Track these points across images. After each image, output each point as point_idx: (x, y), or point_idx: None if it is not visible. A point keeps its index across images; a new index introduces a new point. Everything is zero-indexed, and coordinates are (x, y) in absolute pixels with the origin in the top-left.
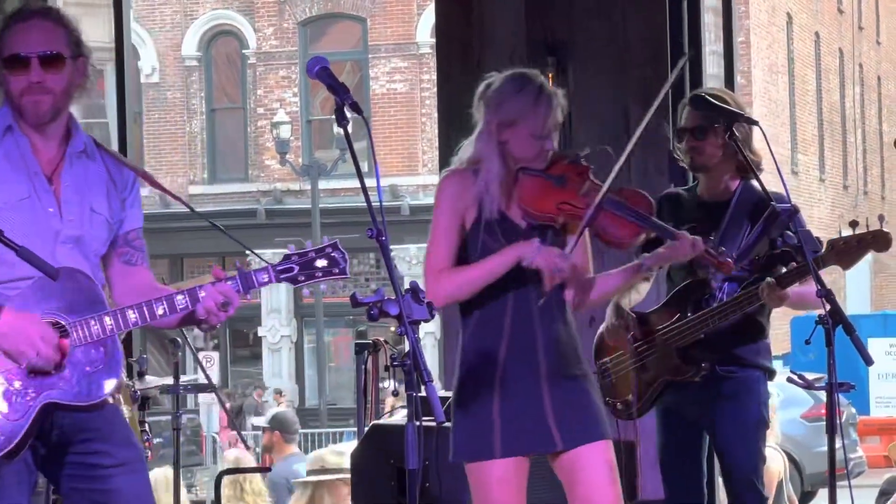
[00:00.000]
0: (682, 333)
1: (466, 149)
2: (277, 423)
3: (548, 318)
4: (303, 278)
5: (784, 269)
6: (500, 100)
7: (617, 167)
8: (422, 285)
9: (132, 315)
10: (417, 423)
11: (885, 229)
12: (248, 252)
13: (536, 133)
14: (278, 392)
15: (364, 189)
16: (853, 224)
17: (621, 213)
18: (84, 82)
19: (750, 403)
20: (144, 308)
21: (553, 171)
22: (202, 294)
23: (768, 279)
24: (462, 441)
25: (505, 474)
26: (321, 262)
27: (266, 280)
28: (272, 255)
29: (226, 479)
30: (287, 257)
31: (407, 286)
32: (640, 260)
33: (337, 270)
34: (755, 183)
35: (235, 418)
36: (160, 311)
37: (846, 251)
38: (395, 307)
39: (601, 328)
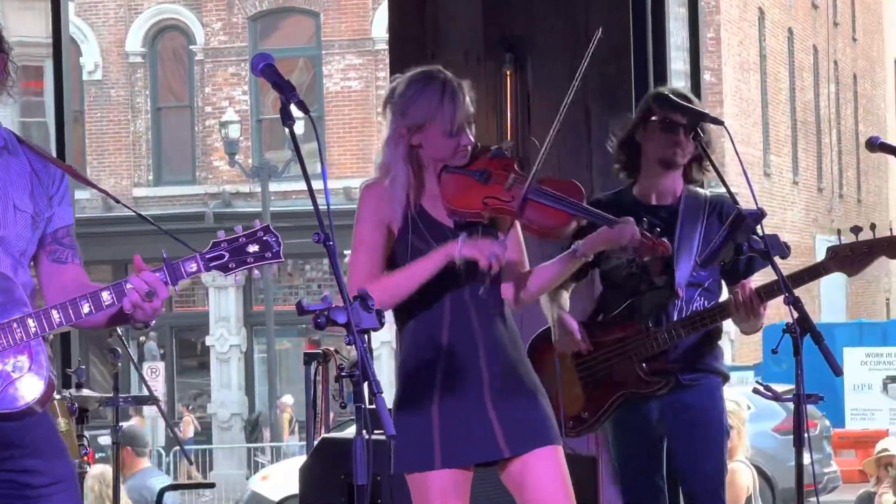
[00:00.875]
0: (650, 346)
1: (378, 156)
2: (127, 439)
3: (487, 322)
4: (234, 265)
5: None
6: (406, 104)
7: (541, 156)
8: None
9: (56, 315)
10: (366, 437)
11: None
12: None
13: (447, 131)
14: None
15: (311, 191)
16: (856, 230)
17: (549, 202)
18: (5, 80)
19: (713, 412)
20: (69, 307)
21: (475, 166)
22: (128, 287)
23: (737, 291)
24: (401, 452)
25: (445, 485)
26: (253, 248)
27: (195, 269)
28: None
29: (91, 496)
30: (216, 244)
31: (356, 293)
32: (574, 246)
33: (270, 255)
34: (697, 189)
35: (252, 432)
36: (86, 310)
37: (852, 258)
38: (342, 315)
39: (552, 340)
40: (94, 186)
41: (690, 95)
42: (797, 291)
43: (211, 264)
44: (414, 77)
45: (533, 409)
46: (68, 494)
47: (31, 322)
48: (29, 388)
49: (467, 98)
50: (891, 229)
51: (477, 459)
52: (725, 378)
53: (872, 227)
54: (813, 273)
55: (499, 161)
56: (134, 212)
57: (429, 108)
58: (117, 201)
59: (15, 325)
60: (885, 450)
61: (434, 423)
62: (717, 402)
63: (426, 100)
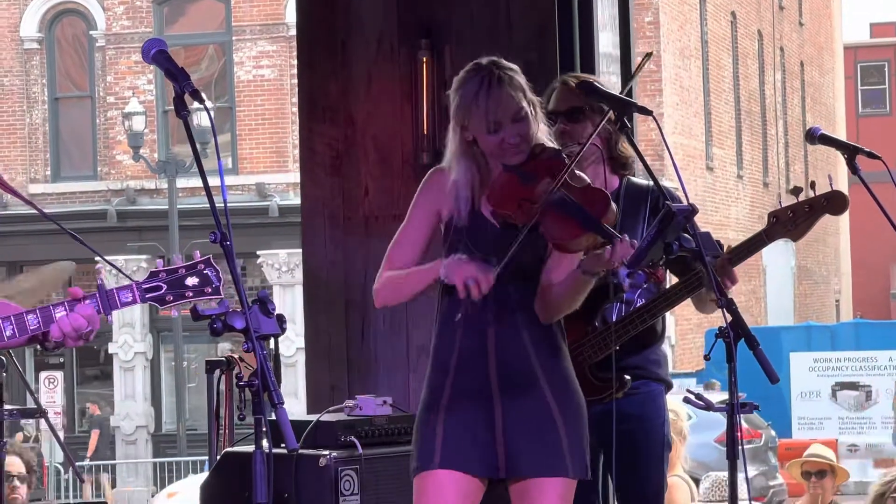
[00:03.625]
0: (597, 347)
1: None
2: None
3: (508, 328)
4: (171, 298)
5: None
6: (454, 99)
7: (570, 164)
8: (296, 294)
9: None
10: (267, 451)
11: (838, 189)
12: (98, 259)
13: (485, 128)
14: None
15: (206, 187)
16: (796, 191)
17: (566, 212)
18: None
19: (656, 423)
20: None
21: (527, 166)
22: (58, 315)
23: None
24: (413, 456)
25: (440, 486)
26: (192, 280)
27: (130, 300)
28: (124, 261)
29: None
30: (154, 274)
31: (254, 297)
32: (577, 266)
33: (210, 289)
34: (639, 181)
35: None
36: (8, 333)
37: (795, 220)
38: (240, 320)
39: None
40: (15, 192)
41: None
42: (743, 283)
43: (147, 295)
44: (464, 69)
45: (545, 430)
46: None
47: None
48: None
49: (510, 90)
50: (830, 184)
51: (472, 471)
52: (668, 386)
53: (812, 185)
54: (756, 243)
55: (549, 163)
56: (41, 212)
57: (467, 105)
58: (37, 209)
59: None
60: (816, 455)
61: (439, 427)
62: (659, 412)
63: (465, 95)
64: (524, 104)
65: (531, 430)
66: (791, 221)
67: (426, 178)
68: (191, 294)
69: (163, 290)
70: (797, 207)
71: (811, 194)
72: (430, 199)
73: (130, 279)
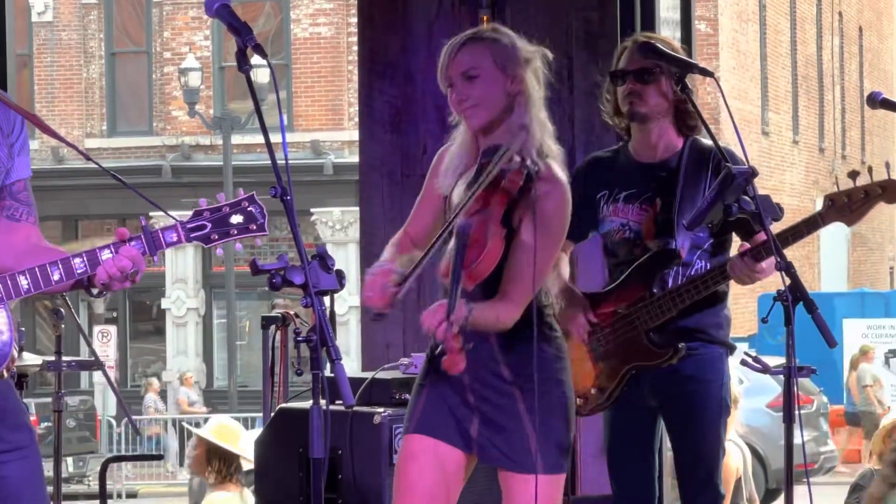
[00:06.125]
0: (654, 313)
1: None
2: None
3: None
4: (216, 236)
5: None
6: None
7: (468, 200)
8: (349, 251)
9: (24, 281)
10: (324, 407)
11: (894, 178)
12: (155, 211)
13: (442, 88)
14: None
15: (268, 143)
16: (853, 175)
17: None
18: None
19: (713, 386)
20: (38, 273)
21: (481, 162)
22: (104, 256)
23: (738, 253)
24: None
25: (415, 451)
26: (236, 218)
27: (175, 239)
28: (179, 217)
29: None
30: (198, 213)
31: (314, 252)
32: None
33: (255, 226)
34: (704, 140)
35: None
36: (56, 277)
37: (850, 206)
38: (299, 275)
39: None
40: (58, 137)
41: (672, 44)
42: (796, 248)
43: (192, 235)
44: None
45: (512, 428)
46: (25, 463)
47: None
48: None
49: (470, 49)
50: (887, 171)
51: (445, 438)
52: (730, 349)
53: (870, 170)
54: (811, 225)
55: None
56: (90, 159)
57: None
58: (86, 157)
59: None
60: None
61: (423, 395)
62: (717, 376)
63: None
64: (481, 66)
65: (498, 421)
66: (847, 207)
67: (436, 156)
68: (235, 232)
69: (207, 229)
70: (853, 193)
71: (868, 179)
72: (432, 177)
73: (177, 220)
